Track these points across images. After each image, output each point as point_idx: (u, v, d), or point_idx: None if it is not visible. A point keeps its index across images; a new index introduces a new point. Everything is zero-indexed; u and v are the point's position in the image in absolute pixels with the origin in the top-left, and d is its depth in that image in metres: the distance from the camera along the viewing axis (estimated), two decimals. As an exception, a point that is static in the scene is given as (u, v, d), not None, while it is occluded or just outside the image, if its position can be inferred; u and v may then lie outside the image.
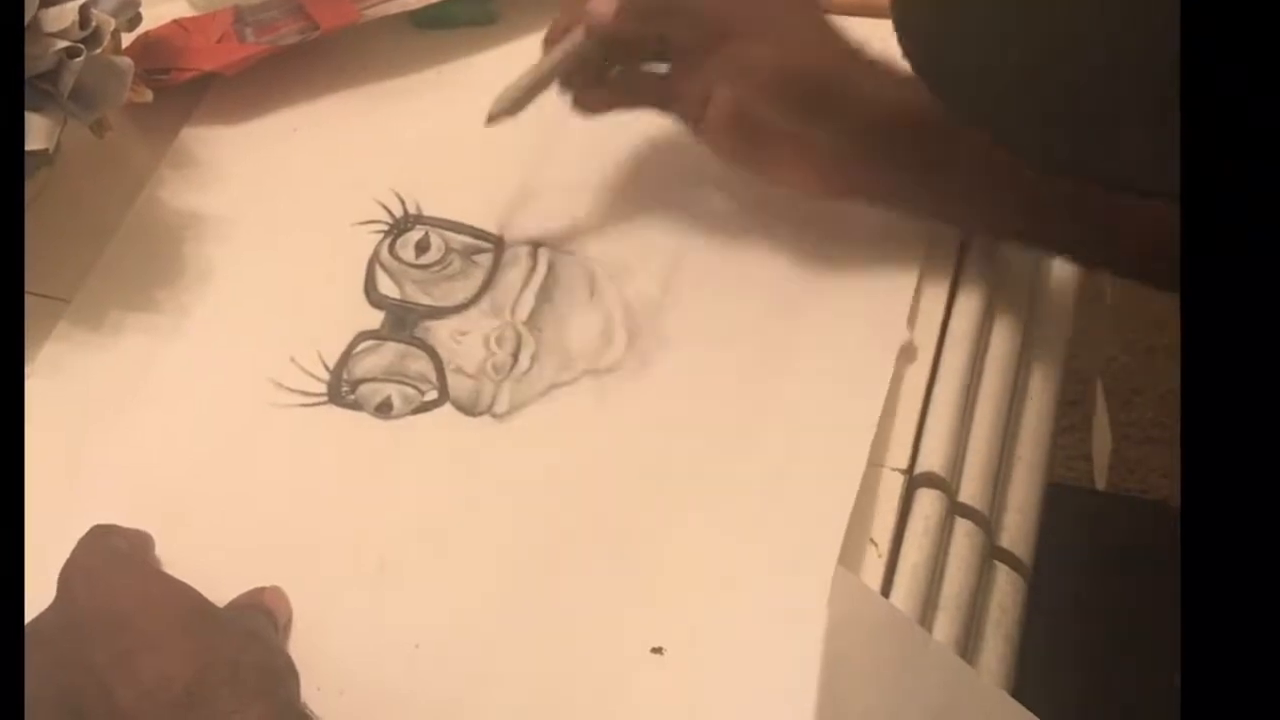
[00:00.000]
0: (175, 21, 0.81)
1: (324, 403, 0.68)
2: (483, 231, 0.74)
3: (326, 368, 0.69)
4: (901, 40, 0.49)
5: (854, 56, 0.66)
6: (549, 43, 0.70)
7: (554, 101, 0.78)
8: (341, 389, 0.68)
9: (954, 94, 0.48)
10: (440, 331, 0.70)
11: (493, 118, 0.70)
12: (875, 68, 0.65)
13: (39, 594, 0.56)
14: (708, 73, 0.67)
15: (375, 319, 0.71)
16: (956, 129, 0.50)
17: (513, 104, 0.70)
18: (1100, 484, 1.03)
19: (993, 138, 0.47)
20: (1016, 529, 0.67)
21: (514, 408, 0.67)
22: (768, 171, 0.70)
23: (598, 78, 0.71)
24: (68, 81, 0.67)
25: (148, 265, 0.73)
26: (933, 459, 0.65)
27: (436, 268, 0.72)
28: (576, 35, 0.69)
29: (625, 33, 0.69)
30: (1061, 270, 0.76)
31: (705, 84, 0.68)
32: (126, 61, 0.70)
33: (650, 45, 0.69)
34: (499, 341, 0.69)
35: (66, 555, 0.57)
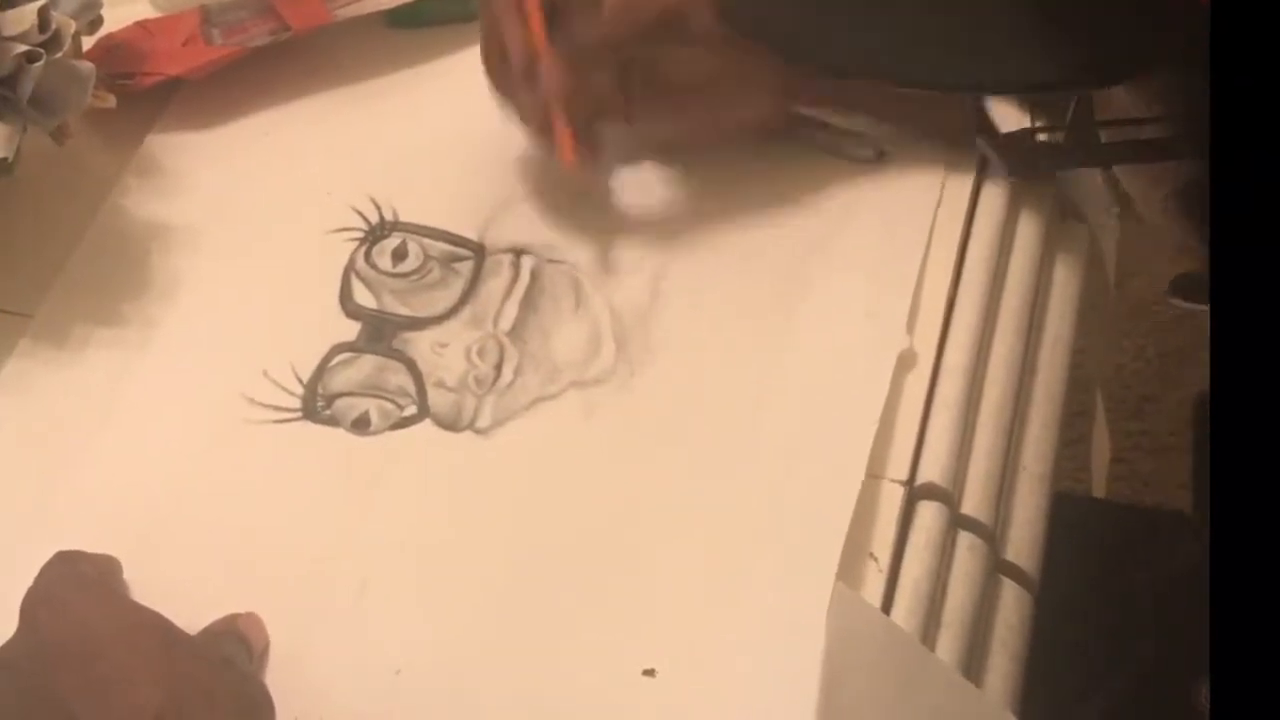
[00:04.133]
0: (139, 23, 0.81)
1: (298, 419, 0.68)
2: (463, 238, 0.74)
3: (300, 382, 0.69)
4: None
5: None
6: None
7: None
8: (316, 404, 0.68)
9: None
10: (419, 343, 0.70)
11: None
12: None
13: (1, 623, 0.56)
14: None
15: (351, 330, 0.71)
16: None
17: None
18: (1099, 493, 1.03)
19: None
20: (1021, 541, 0.67)
21: (497, 422, 0.67)
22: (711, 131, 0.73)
23: None
24: (27, 87, 0.67)
25: (113, 278, 0.73)
26: (934, 470, 0.65)
27: (415, 276, 0.73)
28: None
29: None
30: (1065, 274, 0.76)
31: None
32: (88, 66, 0.70)
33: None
34: (481, 353, 0.70)
35: (30, 582, 0.57)
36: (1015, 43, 0.44)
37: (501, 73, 0.71)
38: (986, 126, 0.51)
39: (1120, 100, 0.50)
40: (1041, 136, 0.50)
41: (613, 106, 0.71)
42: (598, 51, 0.70)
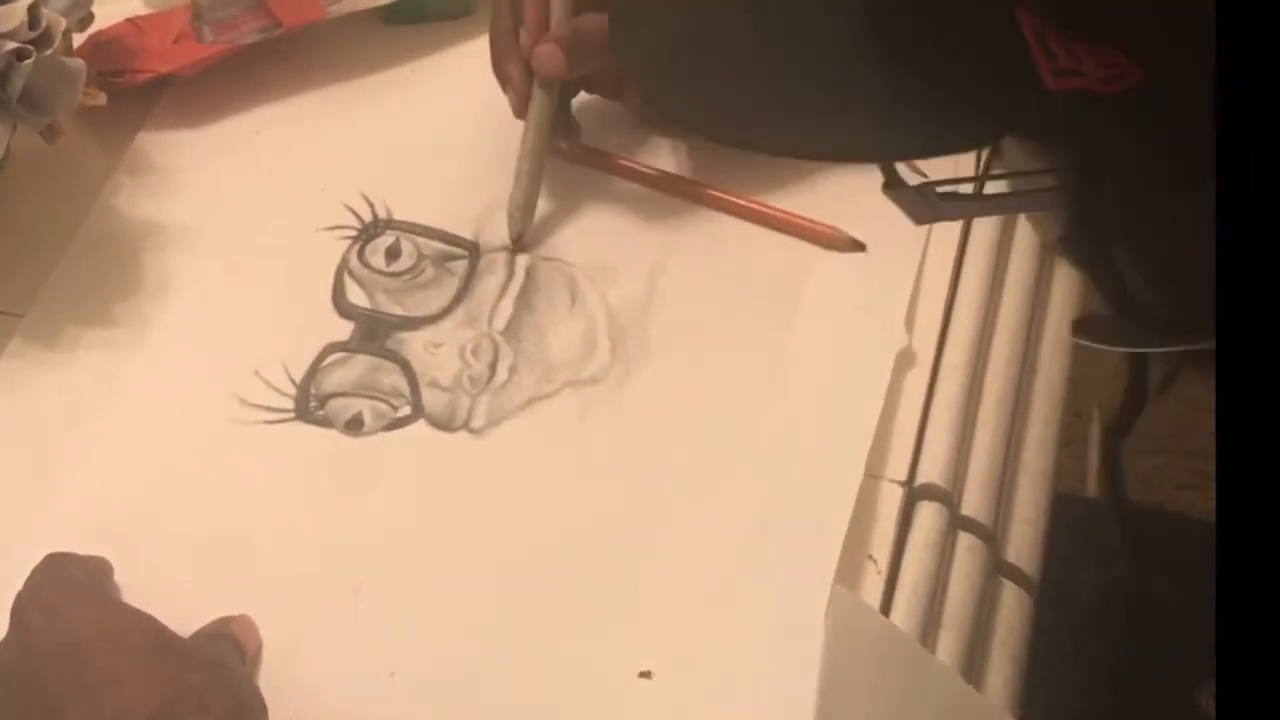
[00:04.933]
0: (129, 20, 0.81)
1: (291, 419, 0.68)
2: (457, 237, 0.74)
3: (293, 382, 0.69)
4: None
5: None
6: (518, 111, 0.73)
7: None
8: (309, 404, 0.68)
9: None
10: (413, 343, 0.70)
11: (517, 241, 0.72)
12: None
13: (-8, 624, 0.56)
14: None
15: (344, 330, 0.71)
16: None
17: (524, 213, 0.72)
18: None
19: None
20: (1022, 542, 0.67)
21: (492, 422, 0.67)
22: None
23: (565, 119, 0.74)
24: (17, 85, 0.67)
25: (104, 277, 0.73)
26: (933, 470, 0.65)
27: (408, 275, 0.72)
28: (537, 104, 0.71)
29: (574, 74, 0.72)
30: (1066, 271, 0.76)
31: None
32: (78, 63, 0.70)
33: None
34: (475, 353, 0.69)
35: (20, 584, 0.57)
36: (881, 116, 0.46)
37: (503, 47, 0.72)
38: (893, 180, 0.52)
39: (1015, 152, 0.51)
40: (941, 189, 0.52)
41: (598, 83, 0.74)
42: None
